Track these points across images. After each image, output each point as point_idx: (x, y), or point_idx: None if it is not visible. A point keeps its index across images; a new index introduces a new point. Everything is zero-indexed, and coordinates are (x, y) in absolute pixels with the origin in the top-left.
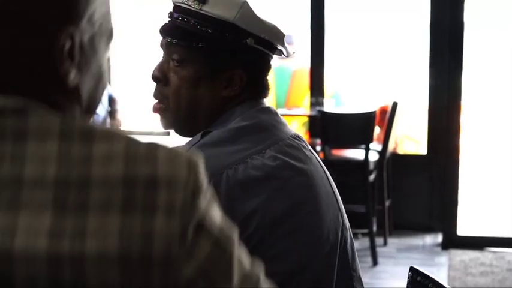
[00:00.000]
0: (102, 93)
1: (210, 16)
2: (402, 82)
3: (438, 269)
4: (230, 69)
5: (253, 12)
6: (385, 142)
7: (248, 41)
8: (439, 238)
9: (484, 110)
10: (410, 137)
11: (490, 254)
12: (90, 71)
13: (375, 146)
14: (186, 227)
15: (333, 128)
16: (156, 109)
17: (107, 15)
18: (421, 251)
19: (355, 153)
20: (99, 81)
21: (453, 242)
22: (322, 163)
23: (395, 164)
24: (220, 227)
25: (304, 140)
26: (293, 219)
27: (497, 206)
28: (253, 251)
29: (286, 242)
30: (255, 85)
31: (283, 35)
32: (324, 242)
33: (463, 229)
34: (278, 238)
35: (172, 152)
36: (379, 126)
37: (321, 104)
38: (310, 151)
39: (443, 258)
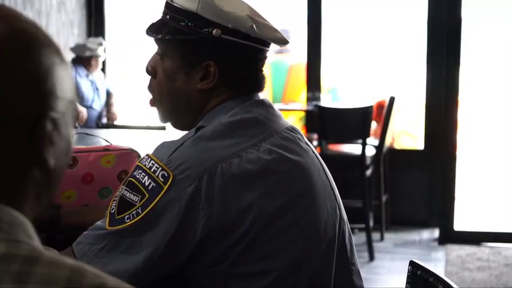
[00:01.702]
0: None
1: (178, 7)
2: (399, 77)
3: (435, 264)
4: (204, 62)
5: (215, 2)
6: (382, 137)
7: (214, 31)
8: (436, 233)
9: (481, 105)
10: (407, 132)
11: (487, 249)
12: (62, 148)
13: (372, 141)
14: None
15: (330, 123)
16: (150, 102)
17: (73, 87)
18: (418, 246)
19: (352, 148)
20: (68, 155)
21: (450, 237)
22: (318, 155)
23: (392, 159)
24: None
25: (301, 132)
26: (290, 213)
27: (494, 201)
28: (249, 247)
29: (284, 237)
30: (241, 78)
31: (250, 24)
32: (322, 236)
33: (460, 224)
34: (275, 233)
35: None
36: (376, 121)
37: (318, 99)
38: (306, 143)
39: (440, 254)
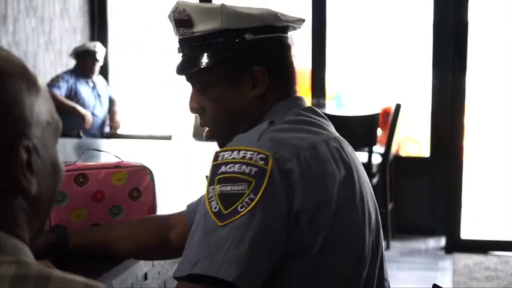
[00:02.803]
0: (60, 184)
1: (203, 35)
2: (404, 82)
3: (442, 273)
4: (248, 70)
5: (235, 9)
6: (388, 144)
7: (246, 36)
8: (442, 242)
9: (488, 110)
10: (413, 138)
11: (494, 258)
12: (46, 170)
13: (377, 148)
14: None
15: (336, 131)
16: (207, 136)
17: (50, 109)
18: (424, 255)
19: (358, 156)
20: (56, 175)
21: (457, 245)
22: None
23: (397, 166)
24: None
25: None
26: (341, 223)
27: (501, 209)
28: (302, 259)
29: (334, 251)
30: (283, 72)
31: (275, 12)
32: (367, 250)
33: (467, 233)
34: (326, 248)
35: None
36: (381, 128)
37: (323, 106)
38: (353, 152)
39: (447, 263)
